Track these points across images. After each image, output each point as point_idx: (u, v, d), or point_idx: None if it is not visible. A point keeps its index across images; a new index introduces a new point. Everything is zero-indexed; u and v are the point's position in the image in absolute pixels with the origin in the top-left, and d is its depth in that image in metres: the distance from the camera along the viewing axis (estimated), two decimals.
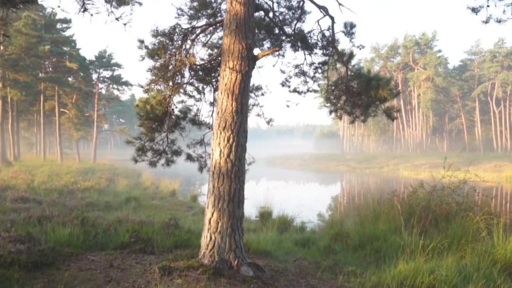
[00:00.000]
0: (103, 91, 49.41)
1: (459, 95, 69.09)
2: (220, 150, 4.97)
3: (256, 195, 14.21)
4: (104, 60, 43.86)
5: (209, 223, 4.98)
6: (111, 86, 48.51)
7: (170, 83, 6.43)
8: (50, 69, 40.32)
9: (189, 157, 6.94)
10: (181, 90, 6.78)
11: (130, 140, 6.45)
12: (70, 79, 40.80)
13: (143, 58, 5.91)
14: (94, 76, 44.54)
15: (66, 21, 38.73)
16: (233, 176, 4.93)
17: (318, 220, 14.46)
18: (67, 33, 39.88)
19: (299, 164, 65.63)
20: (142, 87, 5.99)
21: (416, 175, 41.68)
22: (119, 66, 44.82)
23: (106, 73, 45.09)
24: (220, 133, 4.99)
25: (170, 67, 6.00)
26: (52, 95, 39.26)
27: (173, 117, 6.65)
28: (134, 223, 7.67)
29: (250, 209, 13.75)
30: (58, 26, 39.17)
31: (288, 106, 7.85)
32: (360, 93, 6.79)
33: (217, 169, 4.96)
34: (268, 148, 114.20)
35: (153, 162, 6.66)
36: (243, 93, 5.06)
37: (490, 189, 23.28)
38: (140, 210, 13.87)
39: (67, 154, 56.78)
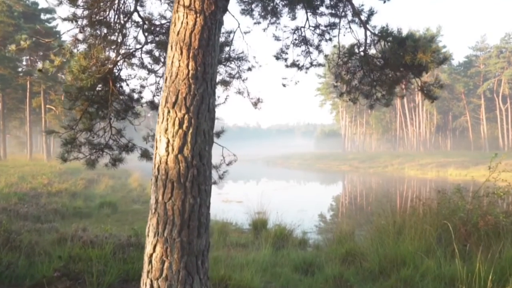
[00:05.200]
0: None
1: (464, 92, 67.06)
2: (168, 141, 2.98)
3: (252, 199, 12.29)
4: None
5: (150, 262, 3.00)
6: None
7: (113, 50, 4.43)
8: (39, 63, 38.28)
9: (145, 154, 4.93)
10: (135, 61, 4.79)
11: (52, 130, 4.45)
12: (59, 74, 38.65)
13: (61, 2, 3.92)
14: None
15: (50, 11, 36.50)
16: (189, 185, 2.94)
17: (322, 230, 12.50)
18: (52, 24, 37.67)
19: (300, 164, 64.19)
20: (62, 47, 3.94)
21: (423, 175, 39.87)
22: None
23: None
24: (168, 112, 3.01)
25: (107, 18, 4.01)
26: (40, 92, 37.12)
27: (122, 97, 4.65)
28: (78, 243, 5.71)
29: (243, 216, 11.87)
30: (42, 17, 36.93)
31: (284, 85, 5.84)
32: (384, 66, 4.82)
33: (163, 173, 2.98)
34: (268, 147, 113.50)
35: (91, 161, 4.65)
36: (207, 48, 3.07)
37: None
38: (115, 217, 12.07)
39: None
